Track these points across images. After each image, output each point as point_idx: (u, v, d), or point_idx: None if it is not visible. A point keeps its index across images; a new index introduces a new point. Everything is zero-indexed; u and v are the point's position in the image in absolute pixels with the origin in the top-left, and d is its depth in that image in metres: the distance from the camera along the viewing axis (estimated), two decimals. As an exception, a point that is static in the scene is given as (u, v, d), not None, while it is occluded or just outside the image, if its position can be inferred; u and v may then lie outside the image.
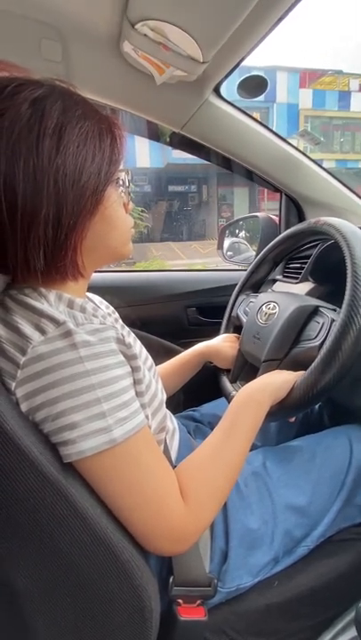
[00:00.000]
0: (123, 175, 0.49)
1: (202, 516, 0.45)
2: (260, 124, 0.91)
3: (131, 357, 0.45)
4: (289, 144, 0.95)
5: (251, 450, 0.52)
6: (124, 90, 0.78)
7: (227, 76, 0.78)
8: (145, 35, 0.62)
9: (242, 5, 0.55)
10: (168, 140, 1.02)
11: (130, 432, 0.40)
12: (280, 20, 0.63)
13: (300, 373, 0.57)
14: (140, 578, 0.41)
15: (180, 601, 0.49)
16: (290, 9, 0.61)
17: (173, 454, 0.59)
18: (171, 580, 0.49)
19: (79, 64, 0.73)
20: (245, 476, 0.60)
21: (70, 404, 0.38)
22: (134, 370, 0.45)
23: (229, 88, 0.85)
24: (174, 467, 0.48)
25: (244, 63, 0.73)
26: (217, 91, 0.81)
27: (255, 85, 0.81)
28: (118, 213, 0.49)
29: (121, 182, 0.50)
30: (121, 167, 0.48)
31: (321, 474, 0.62)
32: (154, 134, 1.03)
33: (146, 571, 0.42)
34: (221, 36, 0.61)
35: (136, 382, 0.46)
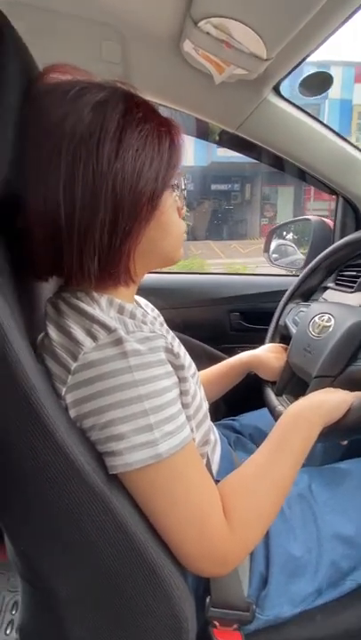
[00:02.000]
0: (179, 179, 0.48)
1: (246, 539, 0.43)
2: (320, 122, 0.86)
3: (179, 368, 0.44)
4: (351, 144, 0.89)
5: None
6: (181, 90, 0.77)
7: (288, 74, 0.74)
8: (207, 32, 0.60)
9: (312, 1, 0.51)
10: (217, 138, 0.99)
11: (176, 447, 0.39)
12: (352, 14, 0.59)
13: (359, 394, 0.53)
14: (179, 597, 0.40)
15: (216, 623, 0.48)
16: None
17: (215, 467, 0.57)
18: (208, 600, 0.47)
19: (138, 65, 0.72)
20: (290, 497, 0.57)
21: (118, 415, 0.37)
22: (181, 381, 0.44)
23: (284, 84, 0.81)
24: (216, 481, 0.46)
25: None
26: (276, 89, 0.77)
27: (319, 82, 0.77)
28: (173, 219, 0.48)
29: (176, 186, 0.48)
30: (178, 171, 0.47)
31: None
32: (203, 133, 1.01)
33: (184, 590, 0.41)
34: (288, 33, 0.57)
35: (182, 393, 0.44)
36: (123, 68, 0.72)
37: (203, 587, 0.48)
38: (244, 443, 0.76)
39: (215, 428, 0.65)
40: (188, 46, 0.65)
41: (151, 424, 0.38)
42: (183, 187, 0.50)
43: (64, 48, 0.69)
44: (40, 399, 0.34)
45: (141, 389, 0.38)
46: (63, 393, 0.39)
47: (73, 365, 0.38)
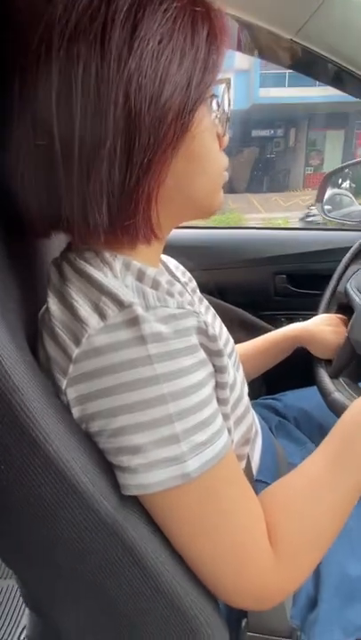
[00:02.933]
0: (221, 90, 0.34)
1: (295, 571, 0.34)
2: None
3: (216, 354, 0.34)
4: None
5: None
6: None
7: None
8: None
9: None
10: (263, 50, 0.79)
11: (209, 462, 0.30)
12: None
13: None
14: (210, 636, 0.32)
15: None
16: None
17: (255, 464, 0.49)
18: (243, 623, 0.40)
19: None
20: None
21: (132, 420, 0.28)
22: (218, 370, 0.34)
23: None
24: (256, 481, 0.37)
25: None
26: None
27: None
28: (211, 148, 0.36)
29: (217, 102, 0.35)
30: (220, 77, 0.33)
31: None
32: (247, 47, 0.81)
33: (217, 625, 0.34)
34: None
35: (219, 386, 0.35)
36: None
37: (236, 612, 0.41)
38: (288, 428, 0.66)
39: (255, 416, 0.55)
40: None
41: (177, 434, 0.29)
42: (228, 102, 0.36)
43: None
44: (24, 401, 0.25)
45: (165, 387, 0.29)
46: (64, 386, 0.30)
47: (75, 351, 0.29)
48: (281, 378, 0.76)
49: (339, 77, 0.76)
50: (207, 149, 0.35)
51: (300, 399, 0.74)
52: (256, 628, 0.41)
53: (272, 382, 0.80)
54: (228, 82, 0.35)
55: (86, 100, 0.28)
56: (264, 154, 15.25)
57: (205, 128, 0.34)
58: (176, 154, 0.32)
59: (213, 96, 0.35)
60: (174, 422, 0.29)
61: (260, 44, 0.76)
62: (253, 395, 0.67)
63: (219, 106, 0.36)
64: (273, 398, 0.76)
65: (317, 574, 0.44)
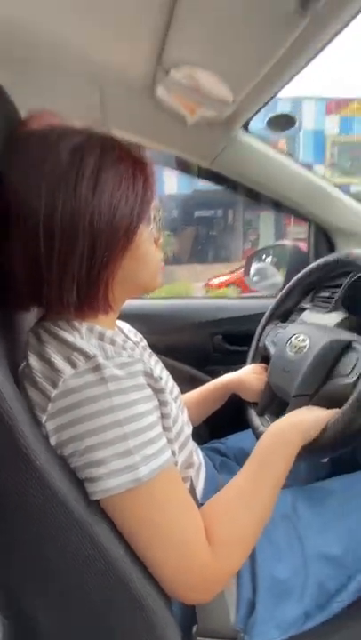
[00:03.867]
0: (154, 212, 0.51)
1: (228, 564, 0.43)
2: (288, 156, 0.92)
3: (159, 391, 0.45)
4: (316, 175, 0.96)
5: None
6: (156, 129, 0.82)
7: (256, 114, 0.80)
8: (178, 79, 0.65)
9: (273, 49, 0.57)
10: (197, 171, 1.05)
11: (156, 470, 0.39)
12: (311, 60, 0.65)
13: (334, 411, 0.55)
14: (164, 628, 0.39)
15: None
16: (321, 49, 0.62)
17: (199, 492, 0.57)
18: (194, 629, 0.47)
19: (115, 108, 0.77)
20: (274, 518, 0.57)
21: (97, 440, 0.38)
22: (162, 404, 0.45)
23: (256, 119, 0.87)
24: (200, 505, 0.46)
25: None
26: (245, 127, 0.84)
27: (283, 123, 0.84)
28: (149, 250, 0.50)
29: (152, 219, 0.51)
30: (152, 205, 0.50)
31: (356, 519, 0.58)
32: (183, 167, 1.07)
33: (169, 620, 0.41)
34: (252, 78, 0.63)
35: (163, 417, 0.45)
36: (101, 110, 0.77)
37: (189, 615, 0.48)
38: (229, 465, 0.76)
39: (200, 451, 0.66)
40: (161, 91, 0.70)
41: (130, 448, 0.38)
42: (159, 218, 0.53)
43: (44, 94, 0.74)
44: (20, 427, 0.35)
45: (120, 414, 0.39)
46: (44, 421, 0.39)
47: (53, 393, 0.39)
48: (224, 424, 0.87)
49: (250, 192, 1.02)
50: (147, 251, 0.49)
51: (240, 440, 0.83)
52: (205, 632, 0.47)
53: (216, 428, 0.90)
54: (158, 208, 0.52)
55: (64, 223, 0.41)
56: (208, 231, 16.87)
57: (145, 237, 0.49)
58: (125, 255, 0.46)
59: (150, 217, 0.51)
60: (128, 440, 0.39)
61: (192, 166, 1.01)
62: (200, 440, 0.77)
63: (155, 220, 0.53)
64: (217, 442, 0.85)
65: (254, 580, 0.51)
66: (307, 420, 0.54)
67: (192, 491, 0.54)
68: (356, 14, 0.52)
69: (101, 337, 0.46)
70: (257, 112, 0.80)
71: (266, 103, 0.77)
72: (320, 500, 0.61)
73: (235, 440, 0.85)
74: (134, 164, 0.46)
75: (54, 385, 0.39)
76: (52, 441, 0.39)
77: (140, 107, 0.76)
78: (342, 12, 0.49)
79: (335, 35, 0.54)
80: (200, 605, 0.47)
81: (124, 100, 0.76)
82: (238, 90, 0.66)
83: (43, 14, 0.60)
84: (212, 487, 0.60)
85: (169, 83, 0.67)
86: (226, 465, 0.76)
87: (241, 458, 0.80)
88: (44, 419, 0.39)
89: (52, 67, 0.70)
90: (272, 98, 0.75)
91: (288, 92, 0.77)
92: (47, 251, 0.42)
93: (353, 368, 0.57)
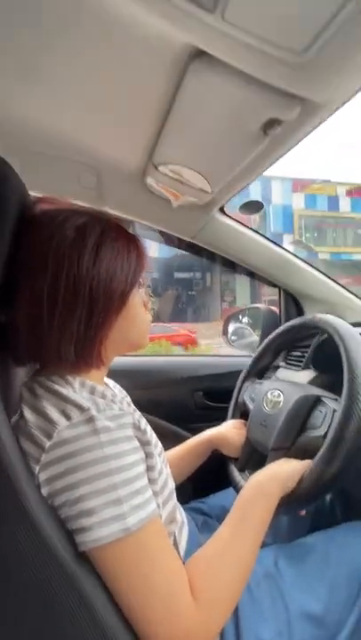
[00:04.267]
0: (144, 279, 0.59)
1: (213, 618, 0.44)
2: (259, 233, 1.07)
3: (145, 443, 0.48)
4: (284, 249, 1.10)
5: (261, 547, 0.52)
6: (145, 210, 0.94)
7: (229, 199, 0.94)
8: (165, 173, 0.78)
9: (243, 156, 0.70)
10: (176, 244, 1.17)
11: (143, 520, 0.41)
12: (273, 163, 0.80)
13: (308, 462, 0.58)
14: None
15: None
16: (281, 156, 0.77)
17: (182, 550, 0.58)
18: None
19: (110, 191, 0.89)
20: (257, 576, 0.58)
21: (88, 490, 0.40)
22: (147, 456, 0.48)
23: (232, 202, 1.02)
24: (183, 563, 0.47)
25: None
26: (222, 210, 0.97)
27: (253, 207, 0.99)
28: (139, 311, 0.56)
29: (142, 284, 0.58)
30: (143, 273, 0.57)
31: (336, 576, 0.59)
32: (167, 239, 1.20)
33: None
34: (226, 176, 0.77)
35: (149, 469, 0.48)
36: (97, 192, 0.89)
37: None
38: (211, 525, 0.75)
39: (182, 510, 0.66)
40: (150, 180, 0.83)
41: (120, 497, 0.41)
42: (148, 284, 0.60)
43: (49, 178, 0.85)
44: (17, 476, 0.37)
45: (112, 463, 0.42)
46: (37, 471, 0.42)
47: (47, 444, 0.42)
48: (206, 483, 0.87)
49: (227, 261, 1.15)
50: (137, 312, 0.55)
51: (222, 499, 0.83)
52: None
53: (198, 487, 0.90)
54: (148, 276, 0.60)
55: (67, 289, 0.48)
56: (187, 291, 17.51)
57: (136, 301, 0.55)
58: (119, 316, 0.52)
59: (141, 284, 0.58)
60: (118, 489, 0.41)
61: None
62: (183, 500, 0.77)
63: (144, 286, 0.60)
64: (199, 501, 0.85)
65: (239, 641, 0.50)
66: (284, 471, 0.58)
67: (175, 547, 0.54)
68: (308, 134, 0.67)
69: (92, 391, 0.50)
70: (230, 198, 0.95)
71: (238, 192, 0.91)
72: (301, 557, 0.62)
73: (216, 499, 0.85)
74: (129, 241, 0.55)
75: (49, 436, 0.42)
76: (44, 491, 0.41)
77: (131, 191, 0.89)
78: (294, 135, 0.63)
79: (290, 148, 0.69)
80: None
81: (117, 184, 0.88)
82: (215, 183, 0.80)
83: (52, 114, 0.72)
84: (195, 547, 0.59)
85: (157, 175, 0.79)
86: (208, 525, 0.75)
87: (223, 517, 0.77)
88: (37, 469, 0.42)
89: (57, 157, 0.82)
90: (243, 188, 0.90)
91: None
92: (50, 312, 0.47)
93: (322, 421, 0.62)
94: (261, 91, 0.53)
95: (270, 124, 0.58)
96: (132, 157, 0.81)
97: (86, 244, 0.50)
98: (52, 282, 0.48)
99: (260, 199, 1.11)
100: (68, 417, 0.43)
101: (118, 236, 0.54)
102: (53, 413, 0.44)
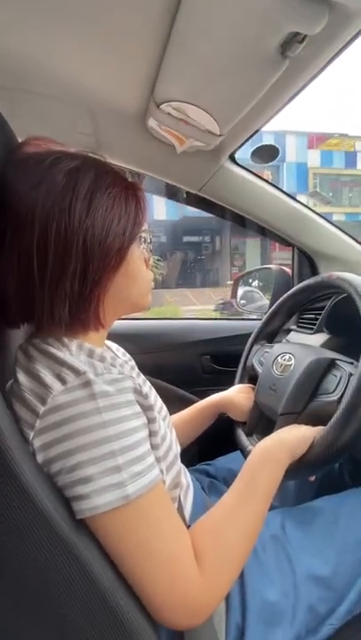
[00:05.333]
0: (145, 234, 0.53)
1: (218, 584, 0.42)
2: (272, 185, 0.98)
3: (147, 408, 0.45)
4: (299, 202, 1.01)
5: (268, 510, 0.50)
6: (147, 157, 0.86)
7: (241, 145, 0.85)
8: (168, 113, 0.70)
9: (257, 88, 0.61)
10: (185, 197, 1.09)
11: (144, 488, 0.39)
12: (292, 99, 0.70)
13: (320, 429, 0.56)
14: None
15: None
16: (301, 89, 0.67)
17: (187, 513, 0.57)
18: None
19: (108, 136, 0.81)
20: (263, 539, 0.57)
21: (86, 457, 0.38)
22: (150, 421, 0.45)
23: (243, 149, 0.93)
24: (188, 526, 0.46)
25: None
26: (232, 157, 0.89)
27: (267, 154, 0.89)
28: (140, 269, 0.52)
29: (143, 240, 0.53)
30: (143, 227, 0.52)
31: (345, 539, 0.57)
32: (172, 193, 1.11)
33: None
34: (237, 114, 0.68)
35: (151, 434, 0.45)
36: (95, 138, 0.81)
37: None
38: (218, 487, 0.75)
39: (188, 473, 0.65)
40: (152, 122, 0.75)
41: (119, 465, 0.38)
42: (150, 240, 0.55)
43: (41, 123, 0.78)
44: (7, 442, 0.35)
45: (110, 430, 0.39)
46: (31, 437, 0.39)
47: (42, 409, 0.39)
48: (212, 446, 0.87)
49: (237, 217, 1.07)
50: (137, 269, 0.51)
51: (229, 462, 0.83)
52: None
53: (205, 450, 0.89)
54: (149, 230, 0.55)
55: (57, 243, 0.43)
56: (196, 256, 17.23)
57: (136, 257, 0.51)
58: (117, 273, 0.47)
59: (141, 237, 0.53)
60: (117, 457, 0.38)
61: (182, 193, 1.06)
62: (189, 462, 0.77)
63: (145, 241, 0.55)
64: (206, 464, 0.85)
65: (244, 604, 0.50)
66: (294, 437, 0.55)
67: (180, 512, 0.53)
68: (333, 59, 0.57)
69: (91, 354, 0.46)
70: (243, 144, 0.85)
71: (251, 136, 0.82)
72: (309, 520, 0.61)
73: (223, 462, 0.84)
74: (127, 188, 0.49)
75: (43, 401, 0.39)
76: (39, 458, 0.39)
77: (131, 135, 0.81)
78: (319, 56, 0.54)
79: (314, 77, 0.59)
80: (188, 632, 0.46)
81: (117, 128, 0.80)
82: (224, 124, 0.71)
83: (40, 47, 0.64)
84: (201, 509, 0.60)
85: (160, 116, 0.71)
86: (214, 487, 0.75)
87: (230, 479, 0.79)
88: (31, 435, 0.39)
89: (48, 95, 0.74)
90: (256, 132, 0.81)
91: (272, 125, 0.82)
92: (40, 268, 0.43)
93: (337, 385, 0.58)
94: (280, -3, 0.44)
95: (290, 42, 0.49)
96: (132, 95, 0.73)
97: (78, 190, 0.44)
98: (41, 234, 0.43)
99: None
100: (63, 381, 0.40)
101: (115, 182, 0.48)
102: (48, 377, 0.41)
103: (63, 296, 0.44)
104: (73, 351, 0.45)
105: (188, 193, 1.03)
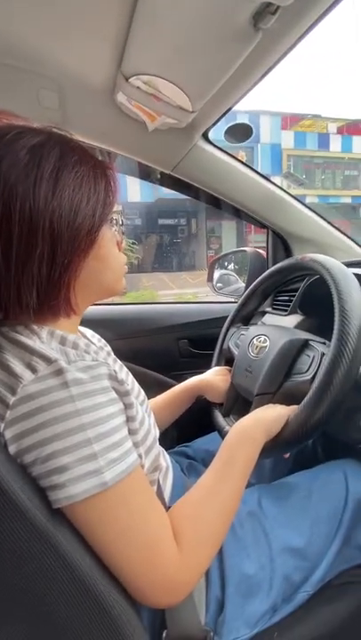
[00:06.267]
0: (116, 215, 0.51)
1: (197, 563, 0.43)
2: (247, 165, 0.96)
3: (123, 394, 0.44)
4: (274, 184, 1.00)
5: (245, 487, 0.51)
6: (117, 135, 0.82)
7: (215, 123, 0.83)
8: (138, 87, 0.66)
9: (229, 62, 0.59)
10: (159, 178, 1.06)
11: (122, 474, 0.39)
12: (265, 74, 0.68)
13: (294, 407, 0.57)
14: (132, 635, 0.38)
15: None
16: (275, 64, 0.65)
17: (167, 495, 0.57)
18: (164, 634, 0.46)
19: (75, 111, 0.77)
20: (240, 516, 0.59)
21: (60, 446, 0.37)
22: (127, 407, 0.45)
23: (217, 129, 0.91)
24: (168, 508, 0.46)
25: (229, 107, 0.78)
26: (205, 136, 0.86)
27: (241, 132, 0.87)
28: (112, 252, 0.50)
29: (114, 222, 0.51)
30: (114, 208, 0.50)
31: (318, 512, 0.60)
32: (145, 174, 1.08)
33: (138, 626, 0.40)
34: (210, 89, 0.65)
35: (129, 419, 0.45)
36: (60, 114, 0.76)
37: (159, 621, 0.47)
38: (196, 468, 0.76)
39: (167, 455, 0.65)
40: (121, 97, 0.71)
41: (95, 452, 0.38)
42: (121, 222, 0.53)
43: (1, 95, 0.72)
44: None
45: (84, 418, 0.38)
46: (2, 429, 0.38)
47: (12, 400, 0.38)
48: (190, 428, 0.88)
49: (212, 199, 1.05)
50: (109, 252, 0.49)
51: (207, 443, 0.84)
52: (175, 637, 0.46)
53: (183, 432, 0.90)
54: (120, 212, 0.53)
55: (22, 224, 0.40)
56: (172, 239, 17.04)
57: (108, 239, 0.49)
58: (87, 257, 0.45)
59: (112, 219, 0.51)
60: (92, 444, 0.38)
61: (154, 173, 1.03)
62: (168, 445, 0.77)
63: (117, 223, 0.53)
64: (184, 446, 0.86)
65: (222, 578, 0.52)
66: (269, 416, 0.56)
67: (159, 494, 0.54)
68: (306, 33, 0.56)
69: (63, 341, 0.45)
70: (216, 122, 0.83)
71: (224, 114, 0.80)
72: (284, 495, 0.63)
73: (201, 443, 0.86)
74: (95, 166, 0.46)
75: (13, 391, 0.38)
76: (12, 450, 0.38)
77: (100, 111, 0.77)
78: (292, 29, 0.52)
79: (287, 51, 0.58)
80: (169, 609, 0.47)
81: (84, 103, 0.76)
82: (197, 100, 0.68)
83: (2, 16, 0.59)
84: (180, 490, 0.60)
85: (129, 90, 0.67)
86: (193, 468, 0.76)
87: (208, 460, 0.80)
88: (1, 427, 0.38)
89: (10, 67, 0.69)
90: (230, 109, 0.79)
91: (246, 105, 0.80)
92: (4, 252, 0.40)
93: (310, 365, 0.59)
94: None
95: (262, 13, 0.47)
96: (99, 67, 0.68)
97: (43, 168, 0.42)
98: (4, 214, 0.40)
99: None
100: (33, 370, 0.39)
101: (82, 160, 0.45)
102: (17, 366, 0.39)
103: (30, 281, 0.42)
104: (44, 339, 0.43)
105: (162, 174, 1.00)
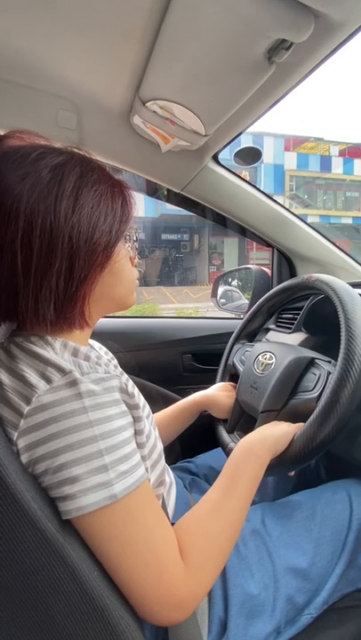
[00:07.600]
0: (131, 232, 0.53)
1: (202, 579, 0.43)
2: (253, 186, 0.99)
3: (133, 407, 0.45)
4: (279, 204, 1.03)
5: None
6: (131, 155, 0.85)
7: (225, 147, 0.86)
8: (154, 111, 0.69)
9: (243, 91, 0.62)
10: (165, 194, 1.09)
11: (131, 487, 0.39)
12: (276, 102, 0.72)
13: (300, 425, 0.57)
14: None
15: None
16: (286, 94, 0.68)
17: (170, 510, 0.57)
18: None
19: (92, 132, 0.80)
20: (244, 534, 0.58)
21: (72, 457, 0.37)
22: (136, 420, 0.45)
23: (224, 150, 0.94)
24: (172, 524, 0.46)
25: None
26: (215, 158, 0.89)
27: (250, 156, 0.90)
28: (126, 267, 0.51)
29: (129, 238, 0.53)
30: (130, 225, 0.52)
31: (322, 532, 0.60)
32: (152, 191, 1.11)
33: None
34: (223, 115, 0.68)
35: (137, 433, 0.46)
36: (78, 134, 0.79)
37: (161, 638, 0.46)
38: (199, 484, 0.76)
39: (170, 471, 0.65)
40: (137, 120, 0.74)
41: (106, 464, 0.38)
42: (135, 239, 0.55)
43: (23, 115, 0.75)
44: None
45: (96, 429, 0.39)
46: (15, 438, 0.38)
47: (26, 409, 0.38)
48: (194, 443, 0.88)
49: (218, 217, 1.07)
50: (123, 267, 0.51)
51: (210, 459, 0.83)
52: None
53: (187, 448, 0.90)
54: (136, 228, 0.55)
55: (42, 239, 0.42)
56: (174, 254, 17.23)
57: (122, 255, 0.50)
58: (103, 271, 0.47)
59: (127, 235, 0.53)
60: (104, 456, 0.38)
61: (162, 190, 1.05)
62: (171, 460, 0.77)
63: (131, 239, 0.55)
64: (187, 461, 0.85)
65: (225, 598, 0.51)
66: (274, 434, 0.57)
67: (164, 509, 0.53)
68: (317, 66, 0.59)
69: (75, 353, 0.46)
70: (226, 145, 0.86)
71: (235, 137, 0.83)
72: (287, 514, 0.63)
73: (205, 458, 0.85)
74: (113, 185, 0.48)
75: (27, 401, 0.39)
76: (24, 459, 0.38)
77: (115, 132, 0.80)
78: (304, 63, 0.55)
79: (298, 83, 0.61)
80: (172, 629, 0.46)
81: (101, 124, 0.79)
82: (210, 124, 0.71)
83: (23, 38, 0.62)
84: (183, 506, 0.60)
85: (145, 114, 0.70)
86: (196, 484, 0.76)
87: (211, 476, 0.81)
88: (15, 435, 0.38)
89: (32, 89, 0.72)
90: (241, 133, 0.82)
91: (251, 127, 0.83)
92: (24, 265, 0.42)
93: (316, 383, 0.60)
94: (267, 4, 0.45)
95: (277, 48, 0.50)
96: (117, 91, 0.72)
97: (64, 187, 0.43)
98: (26, 229, 0.42)
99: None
100: (48, 380, 0.39)
101: (101, 179, 0.47)
102: (32, 376, 0.40)
103: (48, 294, 0.43)
104: (57, 350, 0.44)
105: (168, 191, 1.03)
